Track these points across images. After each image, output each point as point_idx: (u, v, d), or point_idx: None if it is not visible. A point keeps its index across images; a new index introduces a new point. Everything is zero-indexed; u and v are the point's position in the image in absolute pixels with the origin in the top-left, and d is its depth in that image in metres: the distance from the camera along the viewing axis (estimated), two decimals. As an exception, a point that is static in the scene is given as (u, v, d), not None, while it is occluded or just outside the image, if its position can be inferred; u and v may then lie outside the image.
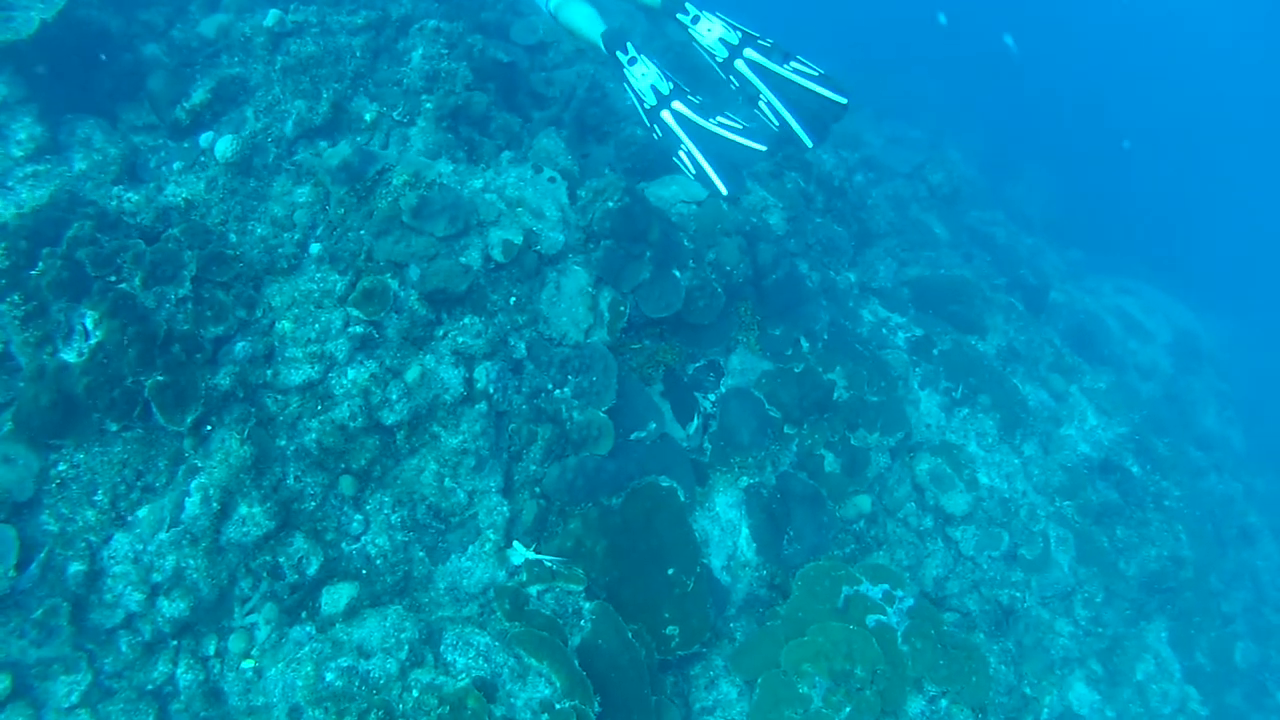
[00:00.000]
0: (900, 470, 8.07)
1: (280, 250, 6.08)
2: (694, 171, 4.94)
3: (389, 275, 6.01)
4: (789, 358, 7.65)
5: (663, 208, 7.45)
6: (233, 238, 6.15)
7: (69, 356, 5.25)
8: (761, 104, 4.78)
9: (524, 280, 6.42)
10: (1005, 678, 7.44)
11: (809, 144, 4.83)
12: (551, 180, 6.90)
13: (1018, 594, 8.03)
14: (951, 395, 8.78)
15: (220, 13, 7.69)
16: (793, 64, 4.77)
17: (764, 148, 4.74)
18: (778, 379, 7.45)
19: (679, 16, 5.01)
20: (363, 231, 6.09)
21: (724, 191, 4.90)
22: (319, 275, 6.02)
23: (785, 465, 7.35)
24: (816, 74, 4.76)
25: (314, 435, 5.63)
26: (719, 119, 4.90)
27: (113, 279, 5.48)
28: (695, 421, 7.06)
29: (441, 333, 6.03)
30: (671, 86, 5.01)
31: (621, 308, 6.69)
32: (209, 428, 5.48)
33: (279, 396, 5.74)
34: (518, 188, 6.71)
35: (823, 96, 4.68)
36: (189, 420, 5.35)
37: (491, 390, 5.96)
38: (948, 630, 6.72)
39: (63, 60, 6.60)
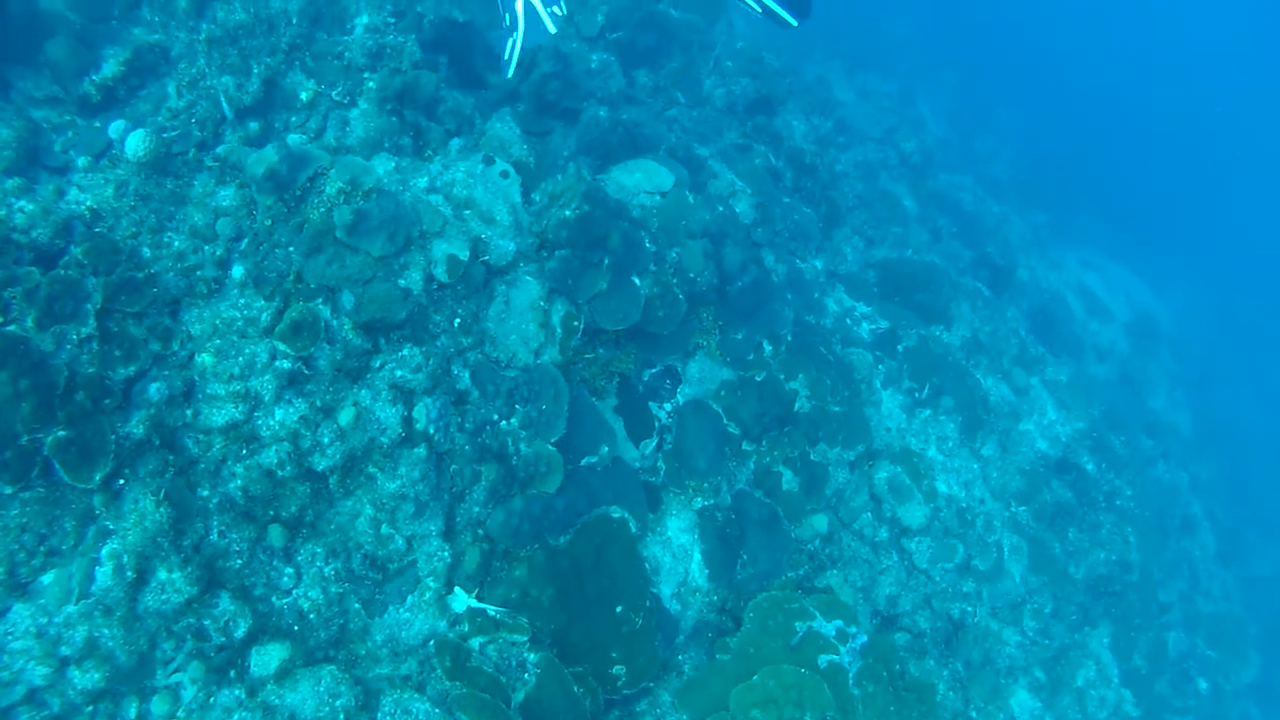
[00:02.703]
0: (858, 479, 7.90)
1: (200, 272, 5.50)
2: (507, 56, 5.04)
3: (320, 301, 5.50)
4: (750, 363, 7.33)
5: (624, 199, 6.96)
6: (146, 252, 5.54)
7: (-48, 414, 4.71)
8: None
9: (470, 296, 5.94)
10: (953, 704, 7.46)
11: (793, 23, 4.83)
12: (504, 175, 6.36)
13: (969, 607, 8.03)
14: (915, 395, 8.58)
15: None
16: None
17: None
18: (738, 391, 7.14)
19: None
20: (292, 249, 5.54)
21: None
22: (243, 301, 5.48)
23: (741, 483, 7.11)
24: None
25: (239, 482, 5.20)
26: (553, 8, 4.93)
27: (-1, 321, 4.90)
28: (651, 441, 6.75)
29: (379, 363, 5.57)
30: None
31: (575, 322, 6.27)
32: (121, 482, 5.02)
33: (201, 437, 5.27)
34: (466, 185, 6.17)
35: (777, 15, 4.74)
36: (98, 477, 4.88)
37: (432, 431, 5.55)
38: (899, 669, 6.64)
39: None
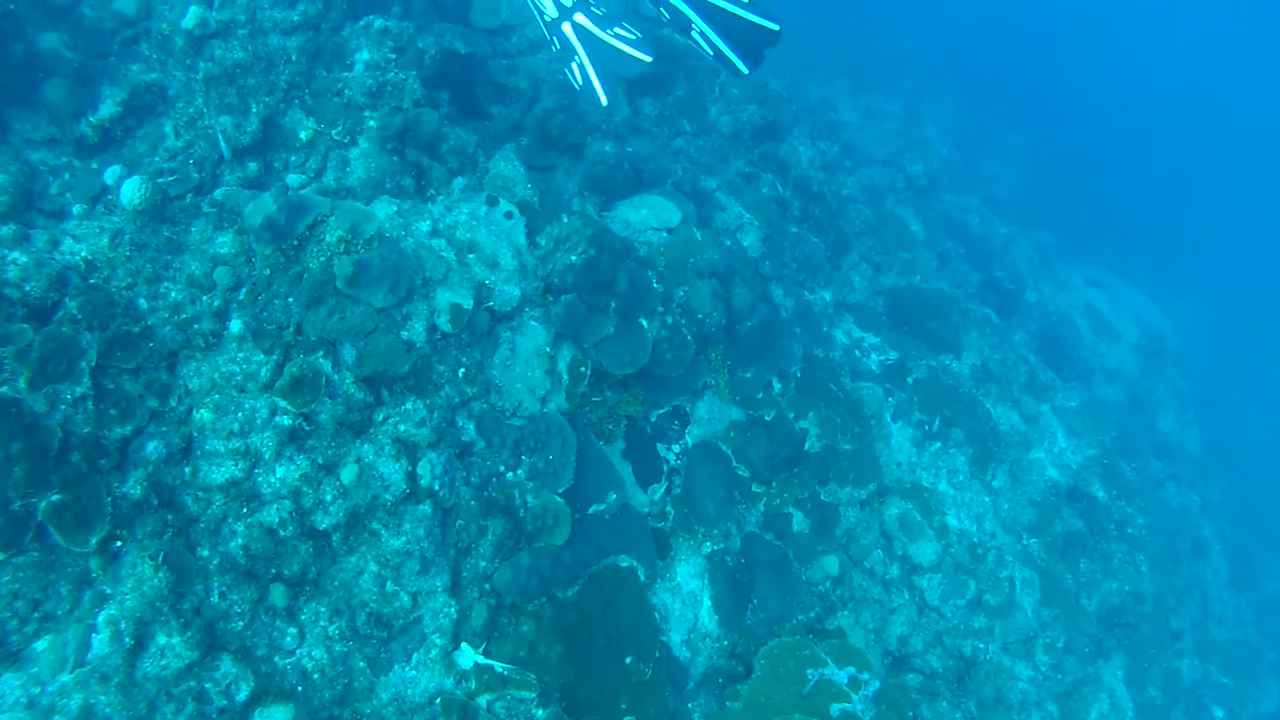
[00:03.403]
0: (869, 517, 7.75)
1: (197, 325, 5.34)
2: (580, 84, 4.80)
3: (321, 355, 5.34)
4: (760, 402, 7.18)
5: (630, 237, 6.81)
6: (142, 304, 5.38)
7: (-62, 483, 4.55)
8: (694, 33, 4.66)
9: (475, 344, 5.79)
10: (967, 747, 7.32)
11: (744, 70, 4.78)
12: (508, 216, 6.20)
13: (981, 644, 7.88)
14: (925, 428, 8.43)
15: (143, -15, 6.73)
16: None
17: (649, 58, 4.65)
18: (747, 431, 6.99)
19: None
20: (291, 299, 5.38)
21: (603, 102, 4.82)
22: (241, 355, 5.32)
23: (751, 526, 6.97)
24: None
25: (240, 541, 5.04)
26: (615, 30, 4.71)
27: (-11, 382, 4.74)
28: (660, 486, 6.59)
29: (381, 416, 5.42)
30: None
31: (582, 368, 6.12)
32: (119, 544, 4.87)
33: (200, 494, 5.12)
34: (470, 228, 6.01)
35: (754, 23, 4.60)
36: (94, 540, 4.73)
37: (437, 487, 5.39)
38: (912, 716, 6.49)
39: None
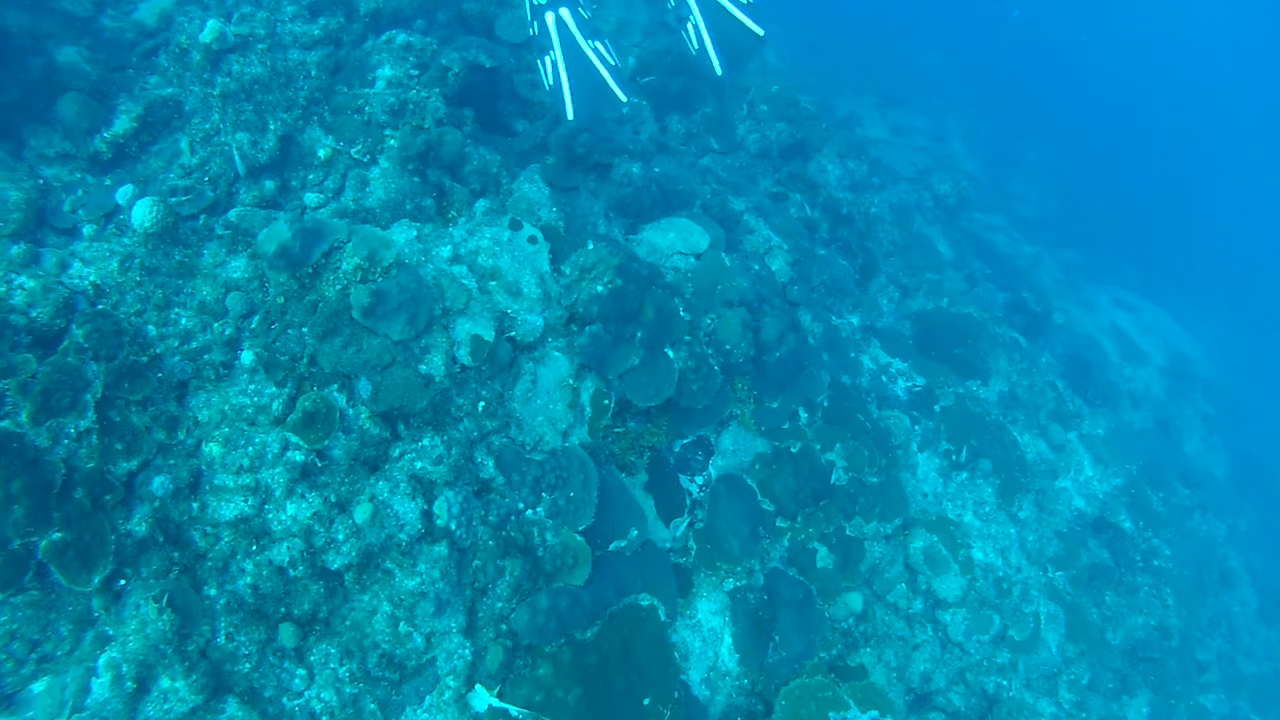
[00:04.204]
0: (893, 550, 7.44)
1: (208, 355, 5.08)
2: (550, 82, 4.71)
3: (335, 388, 5.07)
4: (786, 433, 6.88)
5: (657, 262, 6.51)
6: (151, 331, 5.12)
7: (-66, 523, 4.30)
8: (689, 25, 4.63)
9: (495, 376, 5.50)
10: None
11: (719, 71, 4.78)
12: (532, 241, 5.91)
13: (1004, 680, 7.57)
14: (952, 458, 8.11)
15: (164, -8, 6.49)
16: None
17: (625, 100, 4.60)
18: (773, 464, 6.69)
19: None
20: (305, 330, 5.10)
21: (569, 116, 4.75)
22: (253, 388, 5.05)
23: (775, 561, 6.66)
24: (745, 2, 4.61)
25: (249, 579, 4.80)
26: (596, 44, 4.64)
27: (-8, 415, 4.49)
28: (682, 520, 6.30)
29: (397, 452, 5.14)
30: None
31: (606, 401, 5.84)
32: (123, 582, 4.62)
33: (208, 530, 4.86)
34: (492, 253, 5.73)
35: (744, 25, 4.58)
36: (97, 580, 4.49)
37: (454, 527, 5.12)
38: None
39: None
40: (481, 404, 5.37)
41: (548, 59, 4.67)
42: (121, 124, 5.86)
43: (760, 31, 4.54)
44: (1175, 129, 24.33)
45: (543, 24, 4.61)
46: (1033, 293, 10.59)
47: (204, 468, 4.93)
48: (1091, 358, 10.73)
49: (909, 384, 8.40)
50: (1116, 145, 20.83)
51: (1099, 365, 10.74)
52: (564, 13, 4.58)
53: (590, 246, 5.86)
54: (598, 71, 4.73)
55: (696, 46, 4.62)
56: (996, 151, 14.79)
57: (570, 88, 4.64)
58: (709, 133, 8.24)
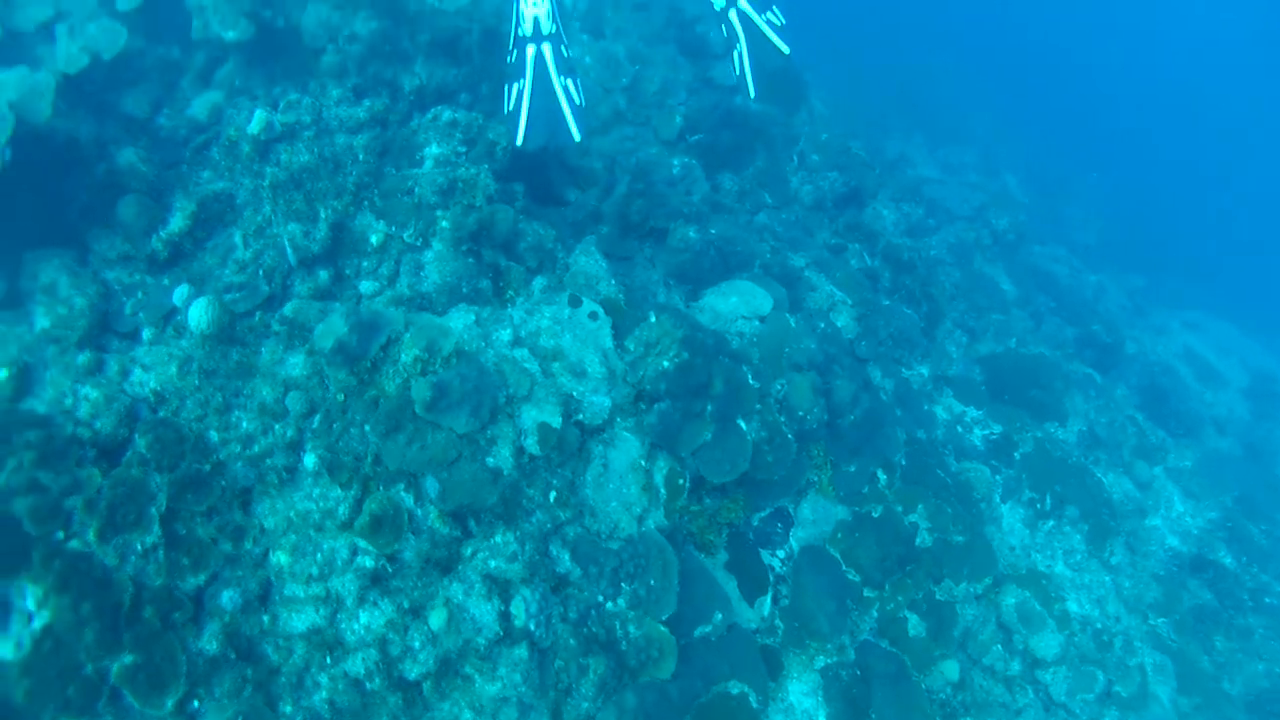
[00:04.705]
0: (985, 610, 7.00)
1: (270, 460, 4.86)
2: (510, 107, 4.61)
3: (402, 487, 4.82)
4: (865, 497, 6.52)
5: (721, 328, 6.22)
6: (213, 436, 4.92)
7: (4, 651, 4.08)
8: (735, 53, 4.55)
9: (565, 463, 5.21)
10: None
11: (751, 94, 4.71)
12: (593, 317, 5.64)
13: (1115, 743, 7.05)
14: (1036, 507, 7.67)
15: (213, 89, 6.42)
16: (768, 14, 4.53)
17: (579, 138, 4.51)
18: (855, 532, 6.32)
19: None
20: (368, 428, 4.86)
21: (518, 143, 4.64)
22: (318, 492, 4.81)
23: (865, 633, 6.27)
24: (779, 24, 4.55)
25: (324, 694, 4.53)
26: (567, 80, 4.54)
27: (60, 536, 4.29)
28: (766, 598, 5.95)
29: (470, 551, 4.85)
30: (553, 29, 4.57)
31: (680, 480, 5.52)
32: (196, 704, 4.37)
33: (280, 643, 4.61)
34: (553, 333, 5.47)
35: (771, 42, 4.52)
36: (170, 703, 4.25)
37: (533, 627, 4.80)
38: None
39: (22, 187, 5.42)
40: (553, 494, 5.08)
41: (514, 86, 4.59)
42: (177, 222, 5.73)
43: (785, 49, 4.46)
44: (1230, 139, 23.54)
45: (522, 55, 4.54)
46: (1102, 324, 10.12)
47: (273, 578, 4.69)
48: (1169, 386, 10.20)
49: (985, 432, 7.99)
50: (1170, 161, 20.17)
51: (1177, 393, 10.20)
52: (545, 48, 4.51)
53: (653, 319, 5.58)
54: (567, 103, 4.67)
55: (738, 73, 4.57)
56: (1050, 180, 14.36)
57: (529, 118, 4.57)
58: (762, 188, 7.97)
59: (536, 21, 4.53)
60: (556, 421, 5.05)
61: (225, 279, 5.63)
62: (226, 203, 5.95)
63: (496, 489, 4.80)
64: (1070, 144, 16.35)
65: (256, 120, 5.83)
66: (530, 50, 4.48)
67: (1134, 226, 14.75)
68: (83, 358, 5.09)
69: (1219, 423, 10.47)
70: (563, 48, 4.56)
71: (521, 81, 4.50)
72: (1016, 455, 7.86)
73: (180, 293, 5.36)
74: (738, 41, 4.54)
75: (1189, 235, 16.18)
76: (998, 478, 7.71)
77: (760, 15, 4.48)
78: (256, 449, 4.92)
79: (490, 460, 4.88)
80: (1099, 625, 7.44)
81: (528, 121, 4.59)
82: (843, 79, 12.55)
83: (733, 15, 4.54)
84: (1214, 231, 17.58)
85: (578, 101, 4.57)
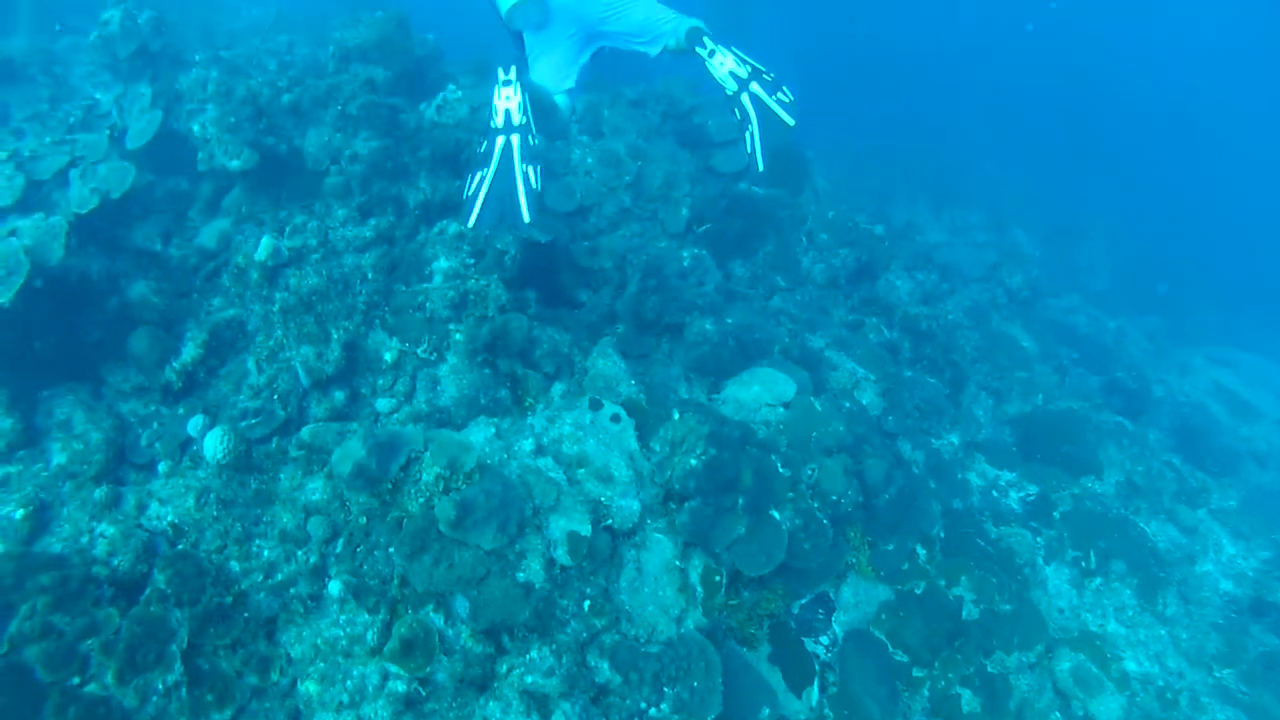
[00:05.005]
0: (1040, 678, 6.65)
1: (294, 589, 4.69)
2: (750, 149, 4.60)
3: (431, 608, 4.62)
4: (906, 574, 6.26)
5: (746, 418, 6.04)
6: (234, 566, 4.77)
7: (26, 816, 3.89)
8: (747, 134, 4.55)
9: (598, 570, 4.99)
10: None
11: (760, 168, 4.69)
12: (615, 419, 5.48)
13: (1195, 814, 6.63)
14: (1081, 566, 7.36)
15: (220, 217, 6.42)
16: (778, 95, 4.51)
17: (528, 219, 4.45)
18: (899, 611, 6.05)
19: (698, 49, 4.65)
20: (392, 549, 4.68)
21: (469, 225, 4.51)
22: (344, 618, 4.62)
23: (918, 714, 5.95)
24: (789, 100, 4.53)
25: (363, 833, 4.27)
26: (529, 168, 4.52)
27: (75, 681, 4.11)
28: (813, 688, 5.65)
29: (505, 668, 4.61)
30: (523, 121, 4.57)
31: (717, 577, 5.29)
32: None
33: (315, 780, 4.38)
34: (576, 439, 5.31)
35: (777, 115, 4.52)
36: None
37: (576, 744, 4.56)
38: None
39: (38, 326, 5.38)
40: (587, 603, 4.86)
41: (478, 174, 4.60)
42: (189, 352, 5.66)
43: (791, 122, 4.47)
44: (1237, 166, 23.27)
45: (491, 145, 4.56)
46: (1126, 369, 9.88)
47: (302, 708, 4.48)
48: (1201, 424, 9.90)
49: (1021, 494, 7.73)
50: (1178, 196, 19.94)
51: (1211, 431, 9.90)
52: (514, 139, 4.53)
53: (676, 416, 5.42)
54: (524, 186, 4.59)
55: (749, 150, 4.57)
56: (1056, 229, 14.21)
57: (486, 204, 4.52)
58: (774, 271, 7.86)
59: (508, 114, 4.58)
60: (586, 529, 4.86)
61: (240, 405, 5.53)
62: (238, 329, 5.89)
63: (529, 604, 4.59)
64: (1073, 189, 16.22)
65: (263, 247, 5.79)
66: (500, 141, 4.50)
67: (1146, 267, 14.55)
68: (99, 492, 5.00)
69: (1259, 457, 10.13)
70: (530, 137, 4.59)
71: (485, 170, 4.50)
72: (1056, 514, 7.59)
73: (195, 423, 5.27)
74: (750, 123, 4.52)
75: (1202, 268, 15.92)
76: (1039, 539, 7.43)
77: (771, 96, 4.49)
78: (280, 577, 4.76)
79: (520, 575, 4.68)
80: (1161, 683, 7.05)
81: (482, 205, 4.54)
82: (842, 149, 12.57)
83: (745, 99, 4.53)
84: (1230, 261, 17.27)
85: (535, 186, 4.57)
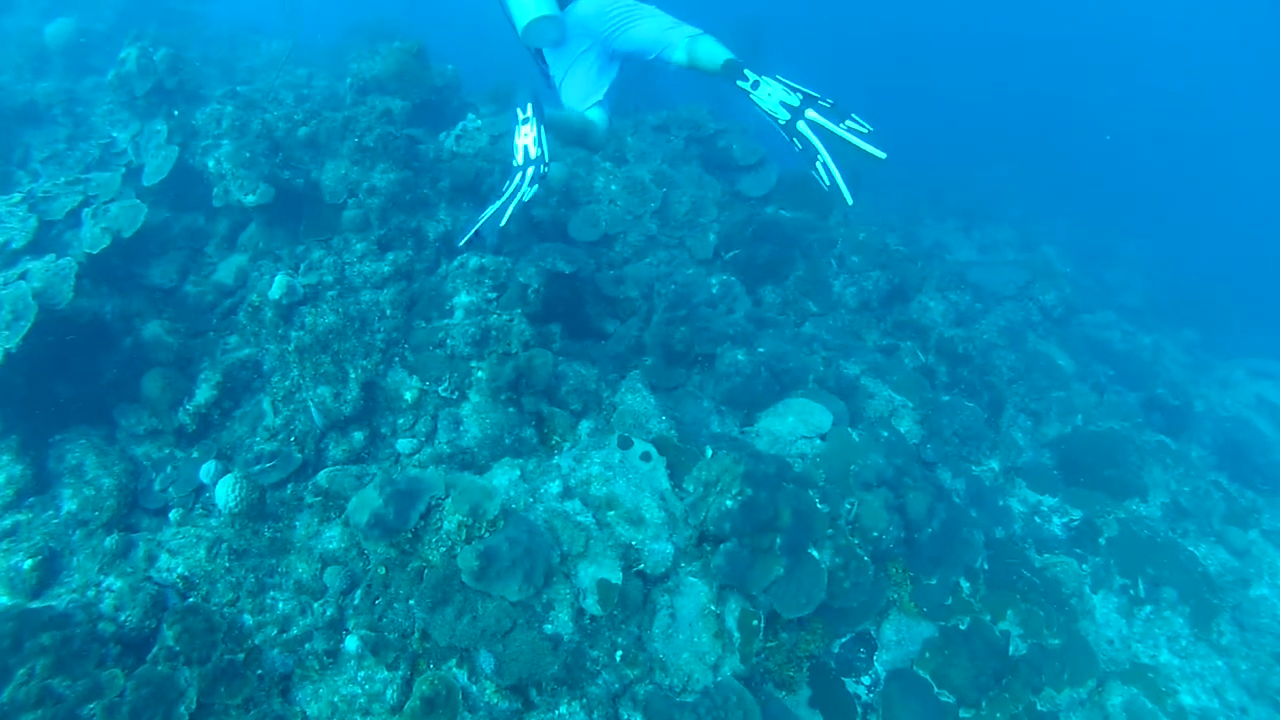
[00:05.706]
0: (1092, 714, 6.17)
1: (309, 645, 4.34)
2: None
3: (453, 663, 4.25)
4: (950, 609, 5.81)
5: (781, 451, 5.64)
6: (247, 620, 4.42)
7: None
8: (818, 164, 4.25)
9: (630, 618, 4.60)
10: None
11: (849, 201, 4.42)
12: (645, 458, 5.10)
13: None
14: (1130, 594, 6.87)
15: (237, 253, 6.14)
16: (847, 123, 4.22)
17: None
18: (944, 650, 5.61)
19: (739, 83, 4.41)
20: (412, 602, 4.32)
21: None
22: (362, 675, 4.26)
23: (968, 759, 5.50)
24: (866, 131, 4.24)
25: None
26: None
27: (77, 753, 3.77)
28: (856, 733, 5.24)
29: (534, 726, 4.25)
30: (539, 153, 4.53)
31: (754, 621, 4.88)
32: None
33: None
34: (605, 480, 4.92)
35: (866, 152, 4.19)
36: None
37: (610, 807, 4.17)
38: None
39: (47, 371, 5.09)
40: (619, 653, 4.47)
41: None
42: (203, 393, 5.35)
43: (882, 155, 4.19)
44: (1273, 174, 22.54)
45: (511, 180, 4.62)
46: (1165, 386, 9.37)
47: (321, 774, 4.13)
48: (1246, 440, 9.35)
49: (1065, 519, 7.25)
50: (1210, 206, 19.31)
51: (1257, 446, 9.35)
52: (528, 170, 4.57)
53: (710, 454, 5.02)
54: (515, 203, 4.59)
55: (828, 182, 4.29)
56: (1087, 245, 13.70)
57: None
58: (805, 296, 7.45)
59: (526, 150, 4.53)
60: (616, 576, 4.48)
61: (256, 448, 5.22)
62: (254, 369, 5.58)
63: (557, 657, 4.21)
64: (1106, 206, 15.70)
65: (277, 285, 5.48)
66: (803, 125, 4.32)
67: (1180, 278, 14.00)
68: (110, 541, 4.72)
69: (1308, 473, 9.57)
70: (541, 166, 4.52)
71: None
72: (1101, 540, 7.10)
73: (207, 469, 4.95)
74: (817, 153, 4.24)
75: (1238, 278, 15.33)
76: (1085, 567, 6.94)
77: (839, 124, 4.20)
78: (295, 631, 4.41)
79: (549, 627, 4.30)
80: (1222, 718, 6.55)
81: (478, 229, 4.57)
82: (865, 169, 12.16)
83: (802, 126, 4.25)
84: (1267, 273, 16.62)
85: (525, 199, 4.52)
